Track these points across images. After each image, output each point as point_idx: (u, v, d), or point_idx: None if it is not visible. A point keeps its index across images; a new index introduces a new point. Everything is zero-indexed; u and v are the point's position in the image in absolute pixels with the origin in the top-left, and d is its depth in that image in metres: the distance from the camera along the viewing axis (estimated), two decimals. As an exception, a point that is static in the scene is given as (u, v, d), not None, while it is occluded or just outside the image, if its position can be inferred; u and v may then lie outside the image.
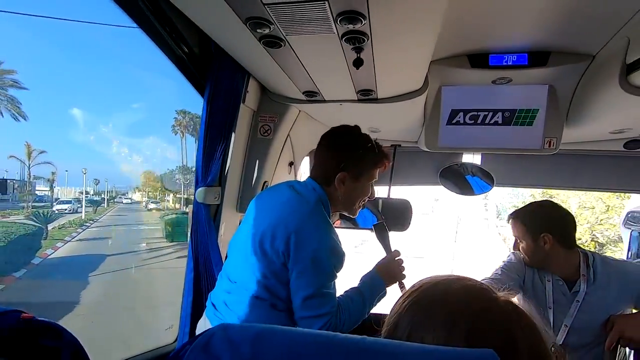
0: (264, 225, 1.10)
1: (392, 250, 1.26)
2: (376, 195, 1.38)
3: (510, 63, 1.26)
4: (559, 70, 1.25)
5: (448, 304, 0.42)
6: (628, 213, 2.12)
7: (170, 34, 1.10)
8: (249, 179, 1.54)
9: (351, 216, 1.24)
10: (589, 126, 1.50)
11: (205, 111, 1.28)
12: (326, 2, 0.74)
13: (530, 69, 1.25)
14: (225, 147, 1.37)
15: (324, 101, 1.41)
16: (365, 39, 0.88)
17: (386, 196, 1.98)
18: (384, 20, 0.81)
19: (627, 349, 1.40)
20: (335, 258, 1.06)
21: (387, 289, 1.19)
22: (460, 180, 2.00)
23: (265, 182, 1.57)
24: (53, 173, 22.00)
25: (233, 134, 1.39)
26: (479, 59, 1.28)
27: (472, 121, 1.50)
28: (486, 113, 1.48)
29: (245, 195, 1.54)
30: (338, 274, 1.09)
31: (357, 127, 1.21)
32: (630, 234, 2.19)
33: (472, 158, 1.91)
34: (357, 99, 1.35)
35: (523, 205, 1.51)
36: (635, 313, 1.33)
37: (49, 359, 0.34)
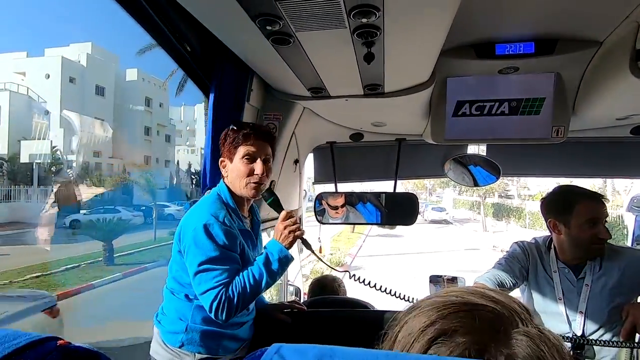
0: None
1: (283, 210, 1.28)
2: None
3: (517, 52, 1.24)
4: (566, 58, 1.23)
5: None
6: (633, 198, 2.13)
7: (173, 33, 1.08)
8: None
9: (244, 195, 1.25)
10: (596, 113, 1.49)
11: (212, 112, 1.26)
12: None
13: (537, 57, 1.23)
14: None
15: (330, 97, 1.38)
16: (378, 33, 0.86)
17: (392, 190, 1.98)
18: (397, 13, 0.79)
19: None
20: (215, 235, 1.14)
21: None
22: (465, 171, 2.00)
23: (272, 181, 1.55)
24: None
25: None
26: (485, 49, 1.26)
27: (478, 112, 1.48)
28: (492, 103, 1.47)
29: None
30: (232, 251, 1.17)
31: None
32: (635, 219, 2.20)
33: (477, 149, 1.91)
34: (363, 93, 1.33)
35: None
36: None
37: None
